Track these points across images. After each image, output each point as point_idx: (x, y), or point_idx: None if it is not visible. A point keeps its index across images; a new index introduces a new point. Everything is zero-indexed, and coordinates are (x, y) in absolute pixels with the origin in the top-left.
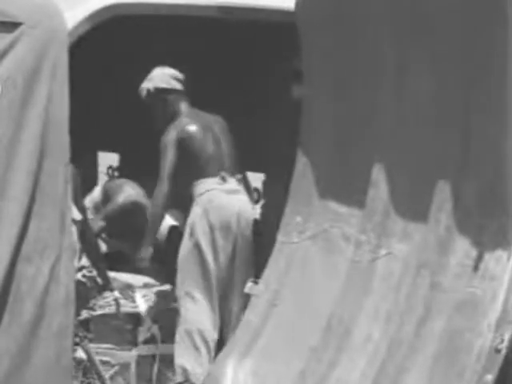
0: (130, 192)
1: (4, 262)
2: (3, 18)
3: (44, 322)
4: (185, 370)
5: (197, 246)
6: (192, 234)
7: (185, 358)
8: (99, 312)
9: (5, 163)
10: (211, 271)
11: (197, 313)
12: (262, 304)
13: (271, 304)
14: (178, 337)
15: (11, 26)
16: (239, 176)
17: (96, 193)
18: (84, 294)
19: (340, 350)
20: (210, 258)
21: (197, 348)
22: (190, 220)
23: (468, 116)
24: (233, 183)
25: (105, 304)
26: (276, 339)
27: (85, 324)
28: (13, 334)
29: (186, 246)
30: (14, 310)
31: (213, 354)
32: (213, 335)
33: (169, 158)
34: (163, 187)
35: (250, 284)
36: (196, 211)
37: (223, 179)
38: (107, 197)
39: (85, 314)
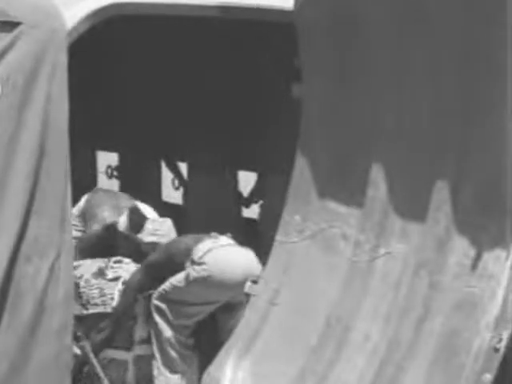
0: (104, 216)
1: (4, 260)
2: (3, 18)
3: (44, 320)
4: (166, 378)
5: None
6: None
7: (161, 366)
8: (96, 310)
9: (4, 162)
10: None
11: (160, 323)
12: (261, 304)
13: (270, 303)
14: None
15: (11, 25)
16: None
17: (82, 202)
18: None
19: (339, 349)
20: None
21: (169, 357)
22: None
23: (467, 116)
24: None
25: (102, 301)
26: (275, 339)
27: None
28: (13, 333)
29: None
30: (13, 308)
31: (189, 359)
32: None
33: None
34: None
35: (249, 283)
36: None
37: None
38: (89, 213)
39: (78, 311)
